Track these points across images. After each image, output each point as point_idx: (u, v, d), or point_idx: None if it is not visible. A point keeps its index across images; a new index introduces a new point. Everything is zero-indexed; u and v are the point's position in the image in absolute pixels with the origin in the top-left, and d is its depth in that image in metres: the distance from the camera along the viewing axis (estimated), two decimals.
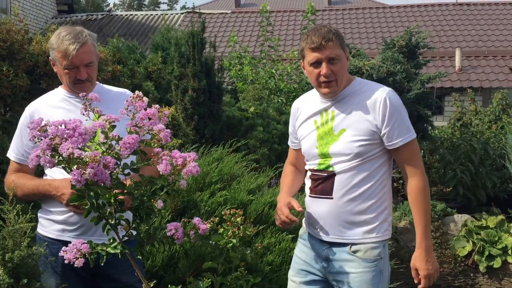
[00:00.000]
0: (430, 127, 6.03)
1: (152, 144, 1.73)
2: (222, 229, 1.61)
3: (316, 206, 2.02)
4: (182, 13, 14.61)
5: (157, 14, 15.07)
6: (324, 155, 1.99)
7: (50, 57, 2.10)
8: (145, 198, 1.67)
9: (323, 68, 1.92)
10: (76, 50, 1.97)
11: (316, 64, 1.93)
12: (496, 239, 4.92)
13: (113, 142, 1.64)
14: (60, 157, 1.52)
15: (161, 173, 1.63)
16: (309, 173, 2.07)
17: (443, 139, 7.23)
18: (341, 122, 1.97)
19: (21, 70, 3.87)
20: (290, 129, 2.20)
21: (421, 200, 1.98)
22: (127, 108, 1.73)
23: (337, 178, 1.96)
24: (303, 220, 2.14)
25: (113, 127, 1.66)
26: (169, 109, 4.70)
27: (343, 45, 1.98)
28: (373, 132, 1.93)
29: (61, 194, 1.96)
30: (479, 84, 10.14)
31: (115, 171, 1.64)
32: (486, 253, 4.86)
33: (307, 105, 2.11)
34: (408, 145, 1.95)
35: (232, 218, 1.60)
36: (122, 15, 15.09)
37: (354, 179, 1.95)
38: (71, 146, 1.45)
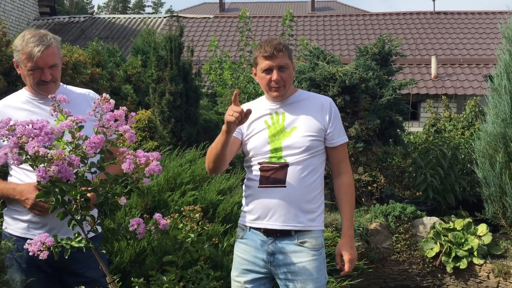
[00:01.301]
0: (402, 133, 6.20)
1: (118, 144, 1.83)
2: (181, 225, 1.70)
3: (268, 195, 2.16)
4: (165, 17, 14.67)
5: (139, 18, 15.10)
6: (276, 149, 2.19)
7: (14, 59, 2.16)
8: (109, 195, 1.76)
9: (274, 74, 2.18)
10: (41, 52, 2.04)
11: (268, 70, 2.19)
12: (463, 241, 5.08)
13: (80, 142, 1.74)
14: (28, 155, 1.61)
15: (124, 171, 1.73)
16: (257, 167, 2.22)
17: (417, 144, 7.43)
18: (292, 121, 2.22)
19: None
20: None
21: (351, 194, 2.28)
22: (95, 110, 1.83)
23: (290, 168, 2.16)
24: (242, 221, 2.27)
25: (81, 127, 1.76)
26: (145, 111, 4.79)
27: (291, 56, 2.26)
28: (321, 129, 2.21)
29: (25, 199, 2.03)
30: (453, 91, 10.41)
31: (81, 169, 1.74)
32: (453, 254, 5.02)
33: (255, 108, 2.27)
34: (344, 145, 2.28)
35: (191, 214, 1.70)
36: (104, 18, 15.10)
37: (304, 170, 2.17)
38: (37, 145, 1.54)
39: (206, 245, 1.70)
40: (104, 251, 1.77)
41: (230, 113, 2.02)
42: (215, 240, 1.87)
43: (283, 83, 2.19)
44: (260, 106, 2.31)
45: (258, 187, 2.19)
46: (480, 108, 8.82)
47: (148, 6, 45.70)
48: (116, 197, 1.75)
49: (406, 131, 7.42)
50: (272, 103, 2.28)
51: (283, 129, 2.21)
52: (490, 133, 5.36)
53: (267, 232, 2.18)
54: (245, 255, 2.23)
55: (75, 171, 1.71)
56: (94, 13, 16.43)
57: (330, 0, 30.57)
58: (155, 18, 14.75)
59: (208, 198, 3.05)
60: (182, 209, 1.68)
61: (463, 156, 6.42)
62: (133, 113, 1.91)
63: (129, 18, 15.04)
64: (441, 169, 6.01)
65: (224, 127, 2.10)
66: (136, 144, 4.54)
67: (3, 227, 2.17)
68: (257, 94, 7.90)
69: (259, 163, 2.21)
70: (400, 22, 13.68)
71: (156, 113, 5.17)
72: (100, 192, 1.73)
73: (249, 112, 2.05)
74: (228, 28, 14.15)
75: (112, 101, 1.88)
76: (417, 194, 6.66)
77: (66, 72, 5.05)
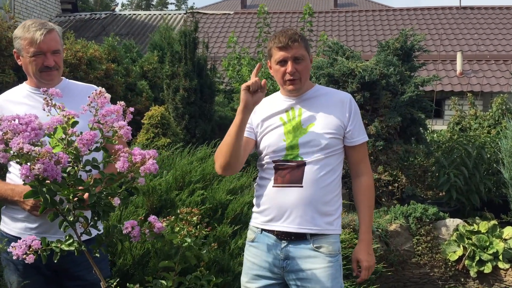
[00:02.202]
0: (425, 131, 5.97)
1: (113, 141, 1.73)
2: (178, 228, 1.58)
3: (283, 196, 2.02)
4: (185, 13, 14.62)
5: (160, 14, 15.10)
6: (292, 147, 2.04)
7: (14, 50, 2.09)
8: (102, 195, 1.66)
9: (289, 66, 2.03)
10: (44, 36, 2.00)
11: (282, 62, 2.04)
12: (487, 244, 4.86)
13: (73, 138, 1.64)
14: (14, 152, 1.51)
15: (118, 170, 1.62)
16: (271, 165, 2.08)
17: (441, 143, 7.17)
18: (309, 117, 2.07)
19: (9, 66, 3.89)
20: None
21: (370, 196, 2.14)
22: (90, 104, 1.73)
23: (307, 167, 2.02)
24: (253, 222, 2.13)
25: (75, 123, 1.66)
26: (158, 107, 4.70)
27: (307, 48, 2.10)
28: (340, 127, 2.06)
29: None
30: (479, 88, 10.06)
31: (76, 168, 1.64)
32: (477, 258, 4.80)
33: (269, 104, 2.16)
34: (364, 144, 2.13)
35: (188, 217, 1.58)
36: (125, 14, 15.14)
37: (322, 170, 2.02)
38: (21, 141, 1.44)
39: (205, 250, 1.57)
40: (98, 255, 1.66)
41: (248, 82, 1.96)
42: (214, 245, 1.73)
43: (299, 75, 2.04)
44: (275, 101, 2.16)
45: (273, 186, 2.04)
46: (507, 106, 8.49)
47: (171, 3, 45.83)
48: (110, 197, 1.64)
49: (430, 129, 7.17)
50: (288, 98, 2.12)
51: (299, 125, 2.06)
52: None
53: (281, 235, 2.04)
54: (256, 259, 2.09)
55: (67, 170, 1.61)
56: (115, 10, 16.51)
57: None
58: (175, 14, 14.71)
59: (217, 197, 2.93)
60: (179, 211, 1.55)
61: (488, 155, 6.16)
62: (131, 108, 1.81)
63: (150, 14, 15.04)
64: (466, 169, 5.77)
65: (240, 106, 1.98)
66: (148, 140, 4.45)
67: (0, 226, 2.09)
68: (275, 91, 7.75)
69: (274, 161, 2.06)
70: (425, 18, 13.32)
71: (170, 110, 5.08)
72: (92, 192, 1.63)
73: (265, 84, 1.97)
74: (248, 25, 14.02)
75: (108, 95, 1.78)
76: (440, 194, 6.43)
77: (80, 67, 5.00)
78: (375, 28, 13.09)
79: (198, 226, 1.58)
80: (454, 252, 4.94)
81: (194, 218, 1.57)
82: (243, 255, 2.66)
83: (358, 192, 2.13)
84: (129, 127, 1.73)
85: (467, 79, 10.41)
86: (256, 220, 2.12)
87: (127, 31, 13.60)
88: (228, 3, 27.15)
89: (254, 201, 2.17)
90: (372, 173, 2.18)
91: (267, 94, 2.19)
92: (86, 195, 1.65)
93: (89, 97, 1.73)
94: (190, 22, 5.33)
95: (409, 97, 5.34)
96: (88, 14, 15.14)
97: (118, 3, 44.19)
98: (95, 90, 1.74)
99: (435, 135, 7.73)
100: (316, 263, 2.01)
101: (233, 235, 2.79)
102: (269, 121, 2.11)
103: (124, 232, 1.63)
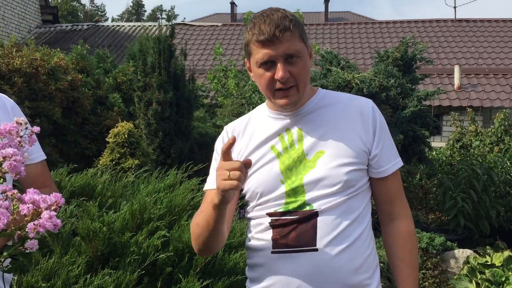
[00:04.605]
0: (427, 149, 5.41)
1: None
2: None
3: (290, 266, 1.33)
4: (171, 25, 14.08)
5: (144, 25, 14.54)
6: (295, 191, 1.35)
7: None
8: None
9: (279, 70, 1.32)
10: None
11: (268, 64, 1.33)
12: (503, 279, 4.26)
13: None
14: None
15: None
16: (266, 220, 1.38)
17: (441, 162, 6.64)
18: (316, 142, 1.37)
19: None
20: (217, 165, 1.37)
21: (413, 250, 1.46)
22: None
23: (320, 219, 1.32)
24: None
25: None
26: (126, 123, 4.08)
27: (305, 37, 1.38)
28: (363, 152, 1.38)
29: None
30: (479, 103, 9.56)
31: None
32: None
33: (252, 126, 1.46)
34: (397, 173, 1.46)
35: None
36: (108, 25, 14.57)
37: (344, 220, 1.34)
38: None
39: None
40: None
41: (224, 176, 1.19)
42: None
43: (294, 81, 1.34)
44: (260, 121, 1.47)
45: (272, 252, 1.36)
46: (510, 122, 8.01)
47: (162, 18, 45.45)
48: None
49: None
50: (279, 115, 1.44)
51: (302, 156, 1.37)
52: None
53: None
54: None
55: None
56: (98, 21, 15.95)
57: (344, 11, 29.96)
58: (161, 26, 14.16)
59: (185, 239, 2.30)
60: None
61: (496, 177, 5.61)
62: (35, 128, 1.22)
63: (133, 26, 14.47)
64: (474, 192, 5.20)
65: (215, 198, 1.25)
66: (113, 162, 3.83)
67: None
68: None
69: (269, 214, 1.38)
70: (419, 30, 12.89)
71: (142, 126, 4.46)
72: None
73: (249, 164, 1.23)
74: (236, 37, 13.50)
75: None
76: (443, 218, 5.87)
77: (38, 77, 4.38)
78: (368, 41, 12.64)
79: None
80: None
81: None
82: None
83: (395, 244, 1.44)
84: (20, 158, 1.13)
85: (466, 94, 9.92)
86: None
87: (109, 43, 13.02)
88: (218, 17, 26.80)
89: (247, 271, 1.48)
90: (410, 211, 1.49)
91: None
92: None
93: None
94: (165, 27, 4.75)
95: (412, 112, 4.78)
96: (69, 26, 14.55)
97: (108, 18, 43.83)
98: None
99: (434, 153, 7.20)
100: None
101: None
102: (256, 153, 1.42)
103: None
